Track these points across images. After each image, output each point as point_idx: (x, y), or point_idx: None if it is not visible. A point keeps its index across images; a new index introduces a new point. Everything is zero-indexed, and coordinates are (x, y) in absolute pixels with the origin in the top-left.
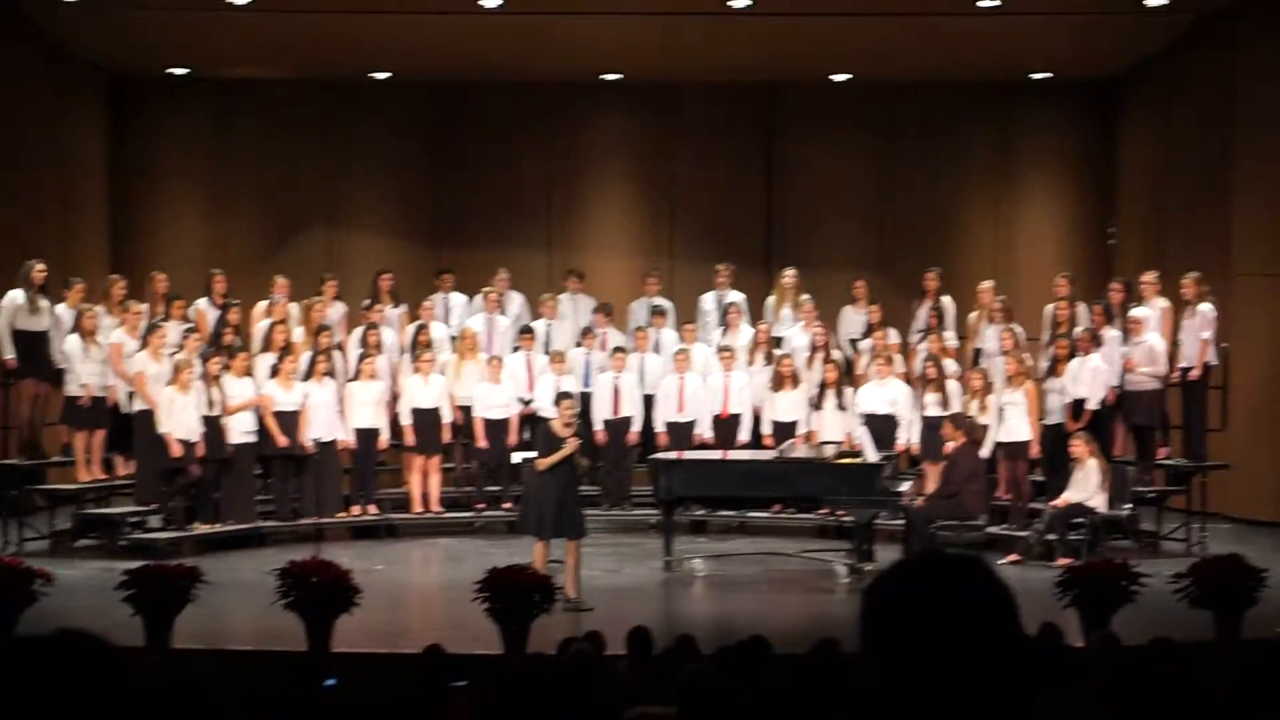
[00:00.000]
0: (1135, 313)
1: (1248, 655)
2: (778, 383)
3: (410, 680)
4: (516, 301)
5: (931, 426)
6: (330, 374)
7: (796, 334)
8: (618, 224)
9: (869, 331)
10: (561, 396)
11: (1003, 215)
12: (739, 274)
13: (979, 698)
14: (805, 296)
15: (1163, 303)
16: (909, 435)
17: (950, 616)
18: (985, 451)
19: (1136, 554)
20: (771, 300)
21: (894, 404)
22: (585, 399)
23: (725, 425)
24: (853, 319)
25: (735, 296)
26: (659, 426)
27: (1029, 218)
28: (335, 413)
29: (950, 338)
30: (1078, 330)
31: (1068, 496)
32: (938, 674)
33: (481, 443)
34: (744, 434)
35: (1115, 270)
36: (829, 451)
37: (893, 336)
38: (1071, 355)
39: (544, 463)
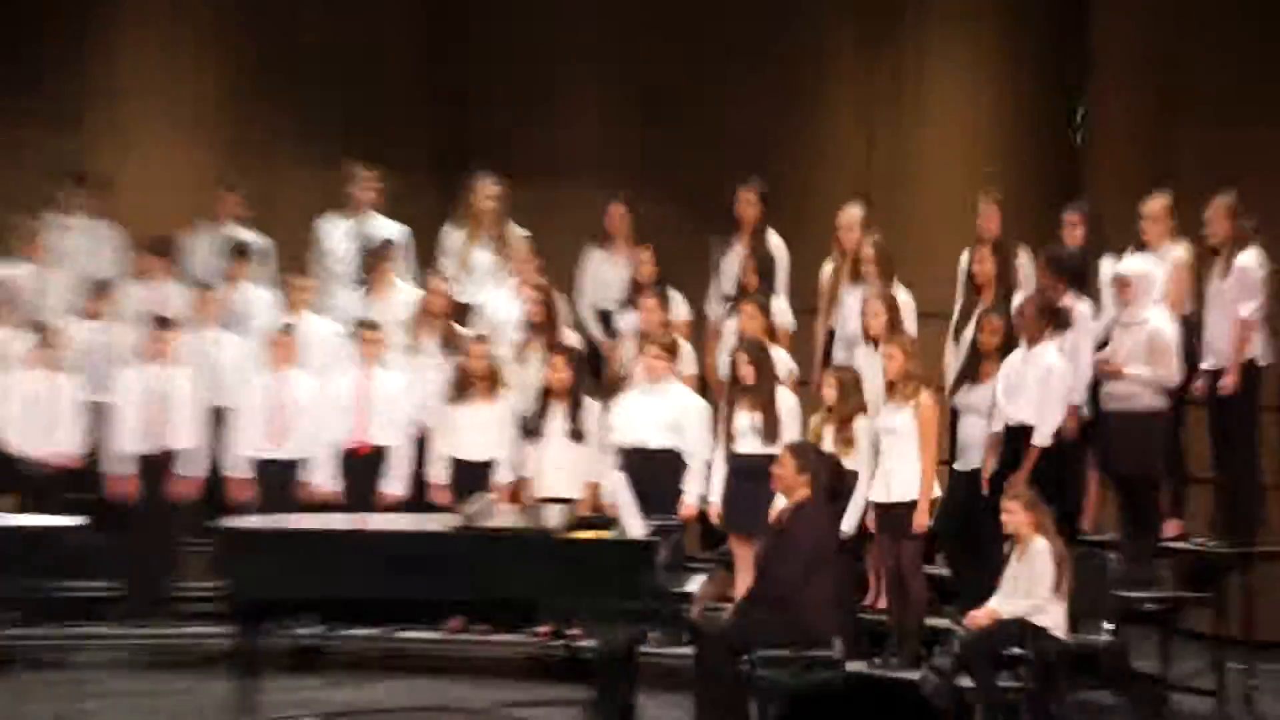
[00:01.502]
0: (1124, 268)
1: None
2: (461, 389)
3: None
4: None
5: (746, 470)
6: None
7: (499, 300)
8: None
9: (633, 297)
10: None
11: (880, 88)
12: (397, 186)
13: None
14: (519, 232)
15: (1177, 251)
16: (701, 488)
17: None
18: (849, 520)
19: None
20: (456, 237)
21: (676, 428)
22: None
23: (361, 467)
24: (605, 274)
25: (387, 228)
26: (232, 467)
27: (931, 92)
28: None
29: (782, 310)
30: (1016, 299)
31: (996, 607)
32: None
33: None
34: (394, 483)
35: (1085, 189)
36: (554, 517)
37: (678, 308)
38: (1005, 346)
39: None
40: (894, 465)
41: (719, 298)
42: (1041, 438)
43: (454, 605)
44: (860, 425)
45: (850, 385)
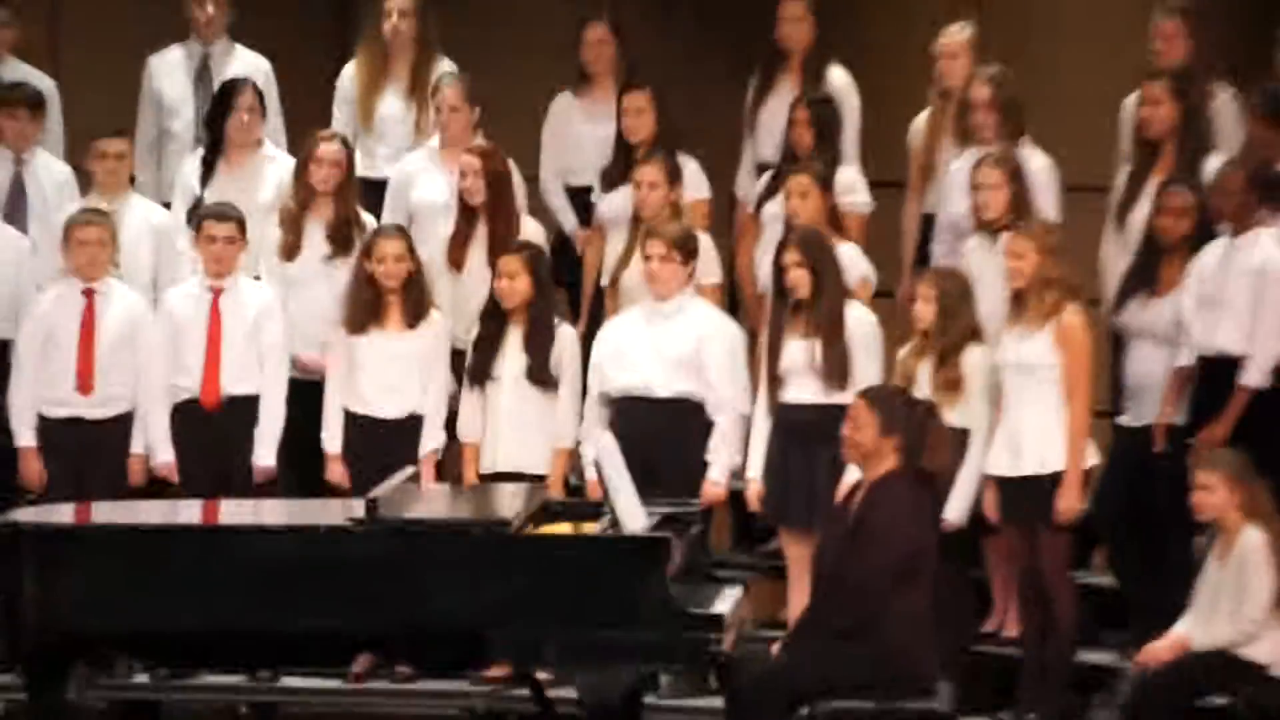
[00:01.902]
0: None
1: None
2: (364, 311)
3: None
4: None
5: (801, 430)
6: None
7: (421, 173)
8: None
9: (623, 167)
10: None
11: None
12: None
13: None
14: (449, 69)
15: None
16: (734, 458)
17: None
18: (957, 505)
19: None
20: (356, 77)
21: (694, 367)
22: None
23: (213, 429)
24: (581, 134)
25: (246, 64)
26: (15, 431)
27: None
28: None
29: (851, 184)
30: (1213, 163)
31: (1185, 633)
32: None
33: None
34: (263, 452)
35: None
36: (509, 504)
37: (692, 183)
38: (1198, 236)
39: None
40: (1025, 420)
41: (754, 167)
42: (1255, 375)
43: (359, 641)
44: (973, 359)
45: (956, 298)
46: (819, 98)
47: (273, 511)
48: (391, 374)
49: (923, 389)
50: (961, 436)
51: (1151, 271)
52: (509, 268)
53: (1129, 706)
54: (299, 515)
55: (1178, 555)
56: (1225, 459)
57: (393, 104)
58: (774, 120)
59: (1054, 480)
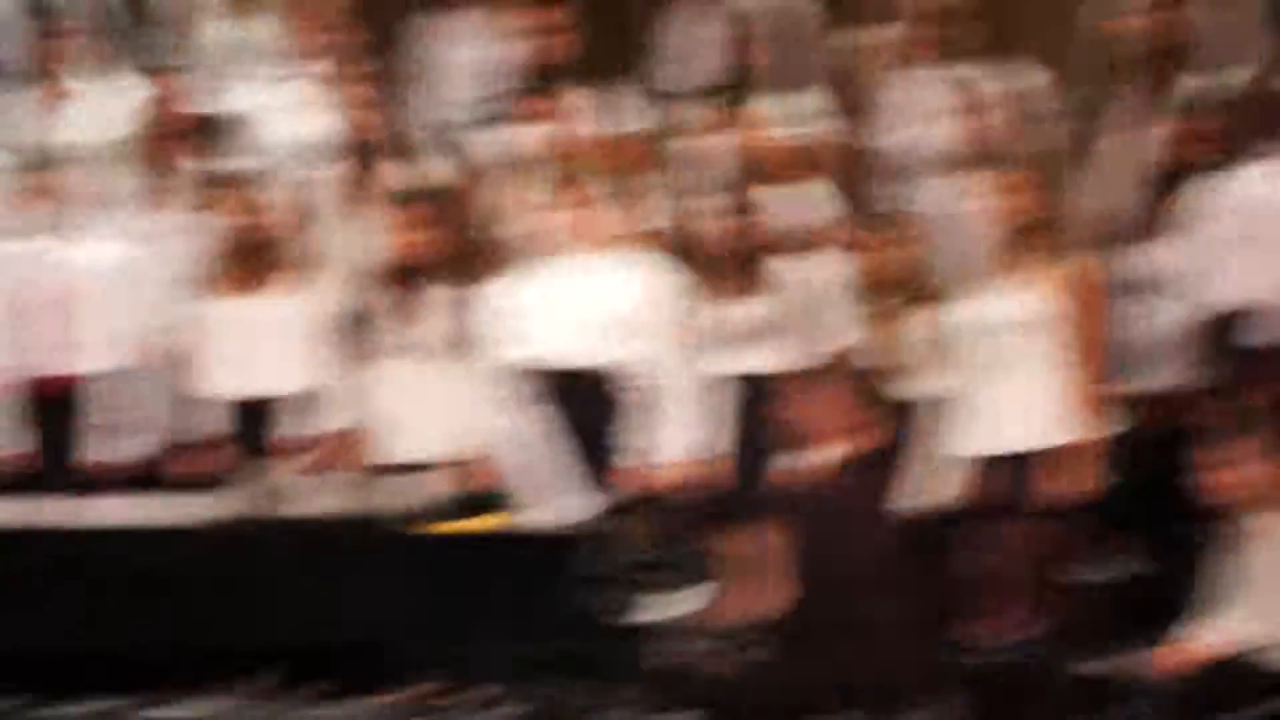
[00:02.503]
0: None
1: None
2: (231, 272)
3: None
4: None
5: (750, 402)
6: None
7: (288, 106)
8: None
9: (518, 95)
10: None
11: None
12: None
13: None
14: None
15: None
16: (674, 436)
17: None
18: (919, 493)
19: None
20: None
21: (624, 331)
22: None
23: (58, 414)
24: (459, 56)
25: None
26: None
27: None
28: None
29: (801, 110)
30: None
31: (1213, 633)
32: None
33: None
34: (121, 440)
35: None
36: (409, 495)
37: (609, 113)
38: (1212, 169)
39: None
40: (1013, 388)
41: (680, 90)
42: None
43: (253, 658)
44: (931, 319)
45: (919, 244)
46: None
47: (142, 508)
48: (271, 346)
49: (884, 351)
50: (918, 409)
51: (1160, 210)
52: (407, 215)
53: None
54: (163, 513)
55: (1200, 542)
56: (1255, 425)
57: (267, 26)
58: (702, 36)
59: (1049, 458)
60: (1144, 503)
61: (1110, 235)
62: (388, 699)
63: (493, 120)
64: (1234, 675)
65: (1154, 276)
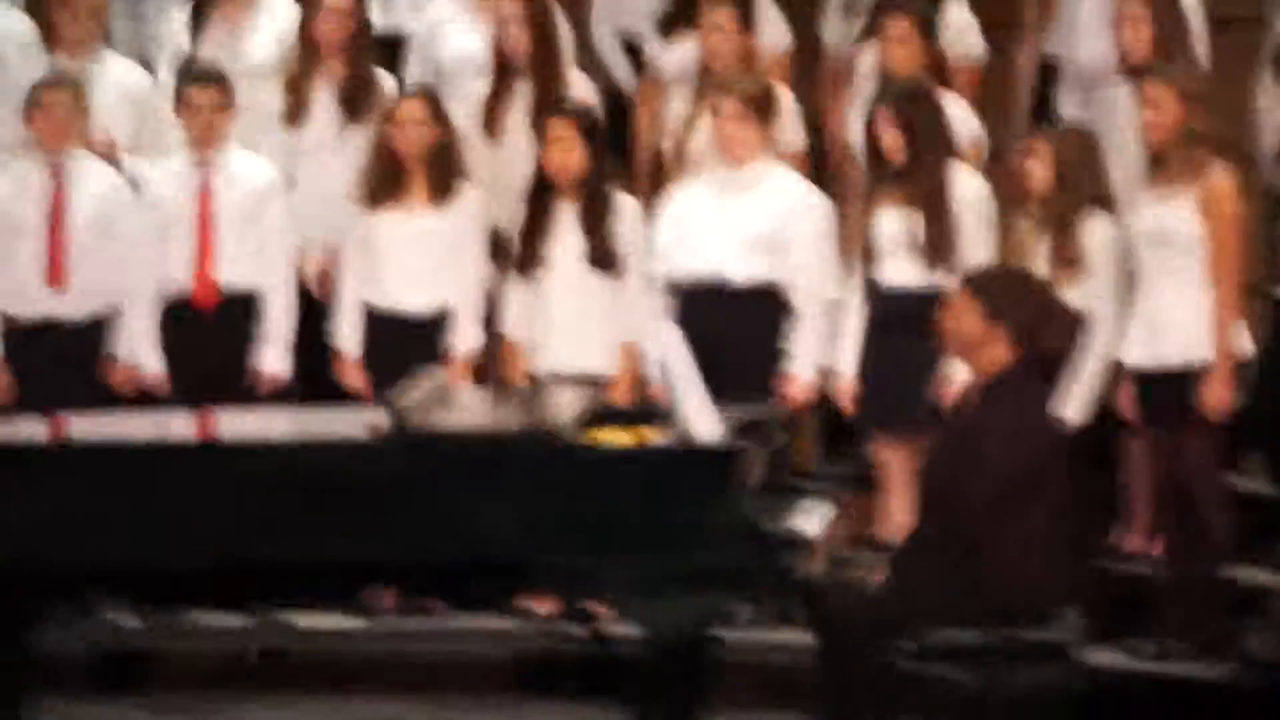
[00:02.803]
0: None
1: None
2: (382, 186)
3: None
4: None
5: (899, 318)
6: None
7: (447, 23)
8: None
9: (685, 10)
10: None
11: None
12: None
13: None
14: None
15: None
16: (821, 351)
17: None
18: (1077, 402)
19: None
20: None
21: (774, 247)
22: None
23: (205, 330)
24: None
25: None
26: None
27: None
28: None
29: (960, 25)
30: None
31: None
32: None
33: None
34: (269, 355)
35: None
36: (560, 409)
37: (769, 28)
38: None
39: None
40: (1165, 301)
41: (843, 8)
42: None
43: (382, 572)
44: (1097, 230)
45: (1078, 158)
46: None
47: (278, 423)
48: (417, 260)
49: (1040, 266)
50: (1084, 320)
51: None
52: (558, 133)
53: None
54: (309, 427)
55: None
56: None
57: None
58: None
59: (1201, 371)
60: None
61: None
62: (525, 612)
63: (664, 33)
64: None
65: None
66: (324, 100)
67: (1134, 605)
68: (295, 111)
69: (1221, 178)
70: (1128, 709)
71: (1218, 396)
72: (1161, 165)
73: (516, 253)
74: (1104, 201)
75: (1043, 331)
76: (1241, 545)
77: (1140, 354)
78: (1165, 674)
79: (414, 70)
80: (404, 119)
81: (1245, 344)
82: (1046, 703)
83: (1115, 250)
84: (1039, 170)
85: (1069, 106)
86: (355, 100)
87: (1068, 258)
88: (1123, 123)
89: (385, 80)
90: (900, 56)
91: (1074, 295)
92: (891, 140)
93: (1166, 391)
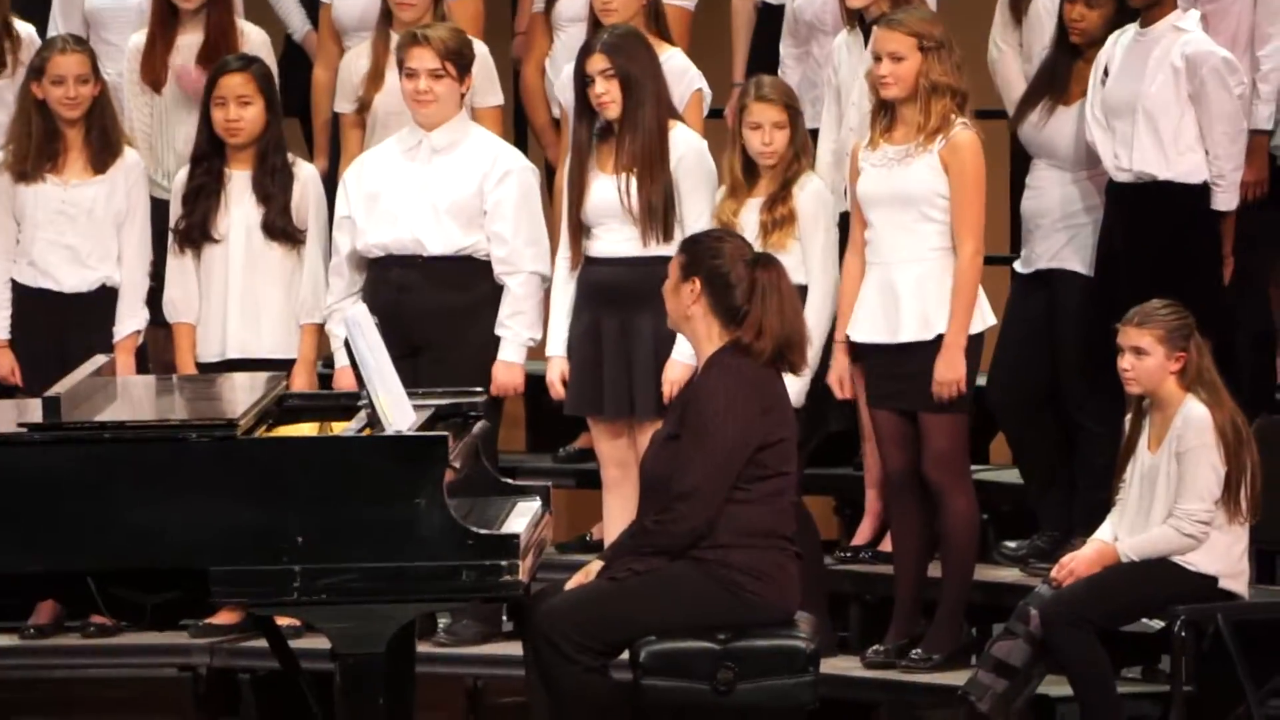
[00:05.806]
0: None
1: None
2: (32, 155)
3: None
4: None
5: (607, 291)
6: None
7: None
8: None
9: None
10: None
11: None
12: None
13: None
14: None
15: None
16: (533, 329)
17: None
18: (800, 384)
19: None
20: None
21: (468, 215)
22: None
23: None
24: None
25: None
26: None
27: None
28: None
29: None
30: None
31: (1109, 540)
32: None
33: None
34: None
35: None
36: (235, 398)
37: None
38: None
39: None
40: (898, 270)
41: None
42: (1225, 198)
43: (40, 584)
44: (810, 191)
45: (799, 112)
46: None
47: None
48: (74, 234)
49: (751, 231)
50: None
51: (1060, 77)
52: (231, 89)
53: (1040, 638)
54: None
55: (1097, 438)
56: (1160, 314)
57: None
58: None
59: (934, 347)
60: (1043, 396)
61: (1020, 103)
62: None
63: None
64: (1139, 581)
65: (1052, 145)
66: None
67: (871, 610)
68: None
69: (964, 135)
70: None
71: (950, 372)
72: (893, 118)
73: (181, 224)
74: (812, 161)
75: (757, 308)
76: (985, 539)
77: (868, 328)
78: (903, 680)
79: (58, 20)
80: (60, 74)
81: (987, 315)
82: (777, 713)
83: (830, 213)
84: (759, 128)
85: (789, 58)
86: None
87: (784, 218)
88: (846, 75)
89: (24, 30)
90: (611, 1)
91: (788, 260)
92: (605, 93)
93: (898, 372)
